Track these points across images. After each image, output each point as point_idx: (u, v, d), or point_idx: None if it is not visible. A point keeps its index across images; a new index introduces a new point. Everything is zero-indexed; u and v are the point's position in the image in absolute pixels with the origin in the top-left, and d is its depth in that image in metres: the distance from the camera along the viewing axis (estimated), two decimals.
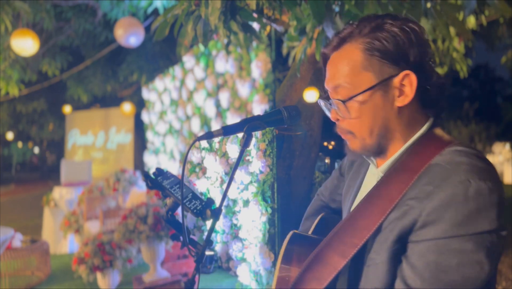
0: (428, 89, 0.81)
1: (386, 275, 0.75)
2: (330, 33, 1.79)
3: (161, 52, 8.14)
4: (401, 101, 0.80)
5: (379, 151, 0.85)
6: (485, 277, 0.69)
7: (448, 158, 0.74)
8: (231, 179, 0.89)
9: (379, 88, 0.79)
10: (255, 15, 1.92)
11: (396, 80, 0.79)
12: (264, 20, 2.06)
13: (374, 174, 0.91)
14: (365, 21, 0.82)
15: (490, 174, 0.72)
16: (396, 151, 0.84)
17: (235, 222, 3.37)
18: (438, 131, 0.83)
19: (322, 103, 0.91)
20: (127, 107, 8.69)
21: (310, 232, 1.10)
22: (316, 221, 1.12)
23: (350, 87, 0.81)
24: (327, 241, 0.83)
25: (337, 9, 1.92)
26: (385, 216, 0.76)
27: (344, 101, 0.81)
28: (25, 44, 4.42)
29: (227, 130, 0.89)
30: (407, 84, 0.79)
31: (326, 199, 1.22)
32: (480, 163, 0.73)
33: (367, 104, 0.80)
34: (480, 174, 0.71)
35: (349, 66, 0.81)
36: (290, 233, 0.99)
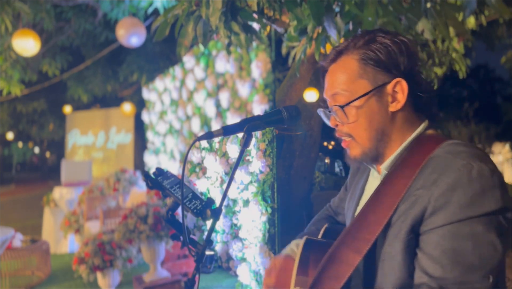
0: (420, 95, 0.87)
1: (401, 266, 0.77)
2: (332, 32, 1.80)
3: (161, 52, 8.14)
4: (394, 107, 0.86)
5: (377, 156, 0.90)
6: (499, 257, 0.72)
7: (447, 149, 0.79)
8: (231, 179, 0.89)
9: (374, 94, 0.86)
10: (255, 15, 1.93)
11: (389, 87, 0.86)
12: (264, 21, 2.06)
13: (375, 177, 0.95)
14: (359, 36, 0.90)
15: (488, 159, 0.76)
16: (390, 151, 0.89)
17: (235, 222, 3.37)
18: (434, 131, 0.89)
19: (321, 112, 0.96)
20: (127, 107, 8.69)
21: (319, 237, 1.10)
22: (323, 229, 1.12)
23: (347, 94, 0.87)
24: (340, 240, 0.85)
25: (337, 9, 1.92)
26: (393, 209, 0.79)
27: (342, 107, 0.87)
28: (27, 45, 4.42)
29: (227, 130, 0.90)
30: (399, 91, 0.86)
31: (332, 209, 1.26)
32: (478, 150, 0.78)
33: (363, 108, 0.86)
34: (480, 157, 0.75)
35: (346, 75, 0.88)
36: (304, 238, 1.00)
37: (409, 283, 0.77)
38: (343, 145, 0.93)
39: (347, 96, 0.87)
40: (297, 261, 0.94)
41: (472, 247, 0.71)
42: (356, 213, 0.94)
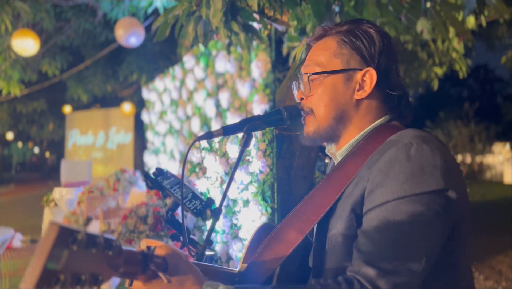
0: (391, 93, 0.87)
1: (342, 247, 0.76)
2: None
3: (161, 52, 8.14)
4: (359, 95, 0.86)
5: (332, 137, 0.90)
6: (437, 239, 0.70)
7: (398, 134, 0.79)
8: (231, 179, 0.89)
9: (343, 75, 0.86)
10: (256, 15, 1.93)
11: (359, 75, 0.86)
12: (265, 20, 2.06)
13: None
14: (346, 21, 0.91)
15: (435, 141, 0.75)
16: (348, 138, 0.89)
17: (235, 222, 3.37)
18: (395, 123, 0.88)
19: (294, 85, 0.97)
20: (127, 107, 8.69)
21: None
22: None
23: (319, 68, 0.88)
24: (285, 220, 0.86)
25: (337, 9, 1.92)
26: (340, 192, 0.79)
27: (309, 75, 0.88)
28: (26, 44, 4.42)
29: (227, 130, 0.90)
30: (367, 80, 0.86)
31: None
32: (426, 134, 0.77)
33: (328, 86, 0.87)
34: (423, 138, 0.74)
35: (323, 52, 0.89)
36: (261, 223, 1.04)
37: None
38: (302, 119, 0.93)
39: (317, 70, 0.88)
40: (249, 241, 0.96)
41: (408, 226, 0.69)
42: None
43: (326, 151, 0.97)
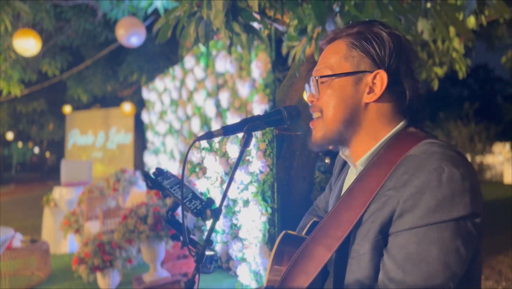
0: (405, 96, 0.86)
1: (368, 265, 0.77)
2: None
3: (161, 52, 8.14)
4: (369, 98, 0.86)
5: (341, 140, 0.89)
6: (462, 264, 0.71)
7: (422, 149, 0.78)
8: (231, 179, 0.89)
9: (352, 78, 0.86)
10: (257, 16, 1.93)
11: (369, 78, 0.85)
12: (266, 20, 2.06)
13: (353, 173, 0.95)
14: (358, 23, 0.90)
15: (462, 162, 0.75)
16: (362, 145, 0.88)
17: (235, 222, 3.37)
18: (413, 129, 0.87)
19: (306, 87, 0.97)
20: (127, 107, 8.69)
21: (303, 234, 1.11)
22: (308, 225, 1.13)
23: (329, 71, 0.88)
24: (312, 236, 0.85)
25: (337, 9, 1.92)
26: (365, 207, 0.79)
27: (317, 78, 0.88)
28: (28, 44, 4.43)
29: (227, 130, 0.90)
30: (377, 83, 0.85)
31: (319, 210, 1.26)
32: (452, 152, 0.76)
33: (336, 88, 0.87)
34: (453, 161, 0.73)
35: (333, 55, 0.89)
36: (282, 233, 1.02)
37: (374, 284, 0.77)
38: (311, 124, 0.93)
39: (327, 73, 0.88)
40: (273, 253, 0.96)
41: (436, 253, 0.70)
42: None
43: (340, 153, 0.96)
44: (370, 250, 0.77)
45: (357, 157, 0.91)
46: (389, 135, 0.86)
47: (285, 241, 0.99)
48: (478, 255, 0.77)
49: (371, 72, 0.85)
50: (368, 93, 0.85)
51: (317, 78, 0.88)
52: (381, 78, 0.84)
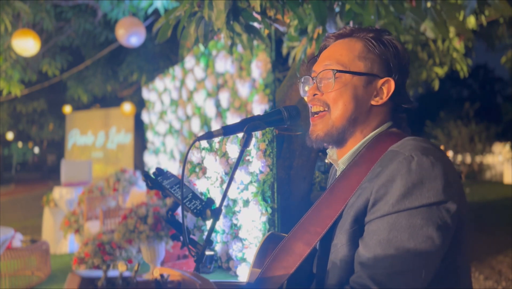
0: (399, 104, 0.90)
1: (346, 258, 0.78)
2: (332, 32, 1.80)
3: (161, 52, 8.14)
4: (375, 101, 0.88)
5: (342, 139, 0.89)
6: (437, 252, 0.71)
7: (399, 143, 0.80)
8: (231, 179, 0.89)
9: (365, 79, 0.87)
10: (258, 16, 1.92)
11: (380, 82, 0.88)
12: (267, 20, 2.06)
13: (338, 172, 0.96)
14: (371, 28, 0.92)
15: (434, 152, 0.76)
16: (352, 144, 0.89)
17: (235, 222, 3.37)
18: (396, 130, 0.89)
19: (302, 81, 0.97)
20: (127, 107, 8.69)
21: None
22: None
23: (341, 67, 0.88)
24: (293, 232, 0.87)
25: (337, 9, 1.92)
26: (344, 204, 0.80)
27: (335, 71, 0.87)
28: (27, 44, 4.42)
29: (227, 130, 0.90)
30: (385, 89, 0.87)
31: None
32: (426, 144, 0.78)
33: (349, 85, 0.87)
34: (423, 150, 0.75)
35: (347, 52, 0.89)
36: (268, 233, 1.03)
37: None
38: (311, 120, 0.92)
39: (341, 68, 0.88)
40: (256, 252, 0.97)
41: (407, 239, 0.70)
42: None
43: (328, 157, 0.96)
44: (347, 242, 0.78)
45: (341, 156, 0.92)
46: (371, 135, 0.88)
47: (270, 240, 1.00)
48: (460, 245, 0.76)
49: (382, 78, 0.87)
50: (375, 96, 0.87)
51: (334, 72, 0.87)
52: (389, 86, 0.87)
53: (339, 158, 0.92)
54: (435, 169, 0.72)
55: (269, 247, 0.95)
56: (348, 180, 0.82)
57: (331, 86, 0.87)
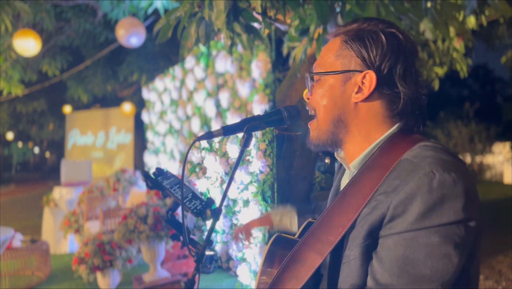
0: (399, 97, 0.84)
1: (359, 271, 0.76)
2: None
3: (161, 52, 8.14)
4: (357, 98, 0.84)
5: (334, 141, 0.88)
6: (454, 270, 0.69)
7: (415, 152, 0.77)
8: (231, 179, 0.89)
9: (341, 77, 0.85)
10: (258, 16, 1.92)
11: (358, 77, 0.84)
12: (267, 21, 2.06)
13: (348, 174, 0.94)
14: (359, 19, 0.88)
15: (456, 166, 0.73)
16: (354, 145, 0.87)
17: (235, 222, 3.37)
18: (409, 132, 0.85)
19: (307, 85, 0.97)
20: (127, 107, 8.69)
21: (296, 236, 1.10)
22: (303, 226, 1.12)
23: (320, 69, 0.88)
24: (304, 240, 0.84)
25: (338, 9, 1.92)
26: (358, 212, 0.77)
27: (310, 76, 0.88)
28: (28, 44, 4.43)
29: (227, 130, 0.90)
30: (366, 83, 0.83)
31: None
32: (445, 156, 0.75)
33: (326, 86, 0.87)
34: (445, 166, 0.72)
35: (327, 53, 0.89)
36: (275, 235, 1.01)
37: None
38: (309, 124, 0.93)
39: (318, 71, 0.88)
40: (264, 255, 0.96)
41: (424, 258, 0.68)
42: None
43: (336, 155, 0.95)
44: (360, 255, 0.76)
45: (350, 159, 0.89)
46: (383, 137, 0.84)
47: (277, 243, 0.98)
48: (474, 259, 0.76)
49: (361, 72, 0.84)
50: (356, 93, 0.84)
51: (309, 76, 0.88)
52: (370, 78, 0.82)
53: (346, 158, 0.91)
54: (457, 187, 0.70)
55: (277, 250, 0.93)
56: (361, 187, 0.80)
57: (312, 90, 0.89)
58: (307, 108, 0.93)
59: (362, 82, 0.84)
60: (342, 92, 0.85)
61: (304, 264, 0.80)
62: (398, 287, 0.69)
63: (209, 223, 0.89)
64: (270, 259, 0.94)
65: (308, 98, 0.92)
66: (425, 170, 0.72)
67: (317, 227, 0.83)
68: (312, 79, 0.89)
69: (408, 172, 0.73)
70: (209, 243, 0.88)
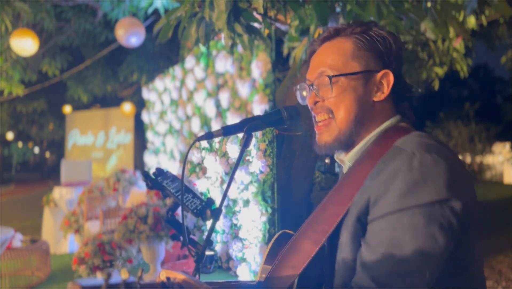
0: (401, 94, 0.88)
1: (350, 256, 0.77)
2: None
3: (161, 52, 8.14)
4: (377, 97, 0.86)
5: (350, 143, 0.88)
6: (441, 251, 0.69)
7: (404, 139, 0.79)
8: (231, 179, 0.89)
9: (362, 77, 0.85)
10: (259, 16, 1.92)
11: (378, 76, 0.86)
12: (268, 21, 2.06)
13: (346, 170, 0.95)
14: (356, 23, 0.90)
15: (439, 149, 0.74)
16: (361, 142, 0.88)
17: (235, 222, 3.37)
18: (404, 124, 0.87)
19: (298, 88, 0.95)
20: (127, 107, 8.69)
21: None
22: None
23: (335, 71, 0.86)
24: (301, 231, 0.86)
25: (338, 9, 1.92)
26: (351, 200, 0.79)
27: (331, 77, 0.85)
28: (25, 44, 4.42)
29: (227, 131, 0.90)
30: (385, 82, 0.86)
31: None
32: (431, 141, 0.76)
33: (348, 87, 0.86)
34: (427, 147, 0.73)
35: (339, 54, 0.87)
36: (280, 232, 1.02)
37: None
38: (316, 128, 0.90)
39: (335, 73, 0.86)
40: (267, 251, 0.97)
41: (409, 238, 0.69)
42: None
43: (335, 157, 0.94)
44: (350, 239, 0.77)
45: (348, 154, 0.90)
46: (378, 130, 0.86)
47: (280, 241, 0.99)
48: (469, 244, 0.75)
49: (378, 71, 0.85)
50: (376, 92, 0.86)
51: (331, 77, 0.85)
52: (388, 79, 0.85)
53: (346, 155, 0.91)
54: (438, 166, 0.71)
55: (280, 246, 0.94)
56: (353, 177, 0.81)
57: (330, 93, 0.86)
58: (313, 113, 0.90)
59: (380, 82, 0.86)
60: (364, 92, 0.86)
61: (299, 253, 0.82)
62: (384, 268, 0.70)
63: (209, 223, 0.89)
64: (273, 252, 0.95)
65: (316, 102, 0.89)
66: (406, 152, 0.73)
67: (313, 218, 0.85)
68: (331, 80, 0.86)
69: (393, 156, 0.75)
70: (209, 243, 0.88)
